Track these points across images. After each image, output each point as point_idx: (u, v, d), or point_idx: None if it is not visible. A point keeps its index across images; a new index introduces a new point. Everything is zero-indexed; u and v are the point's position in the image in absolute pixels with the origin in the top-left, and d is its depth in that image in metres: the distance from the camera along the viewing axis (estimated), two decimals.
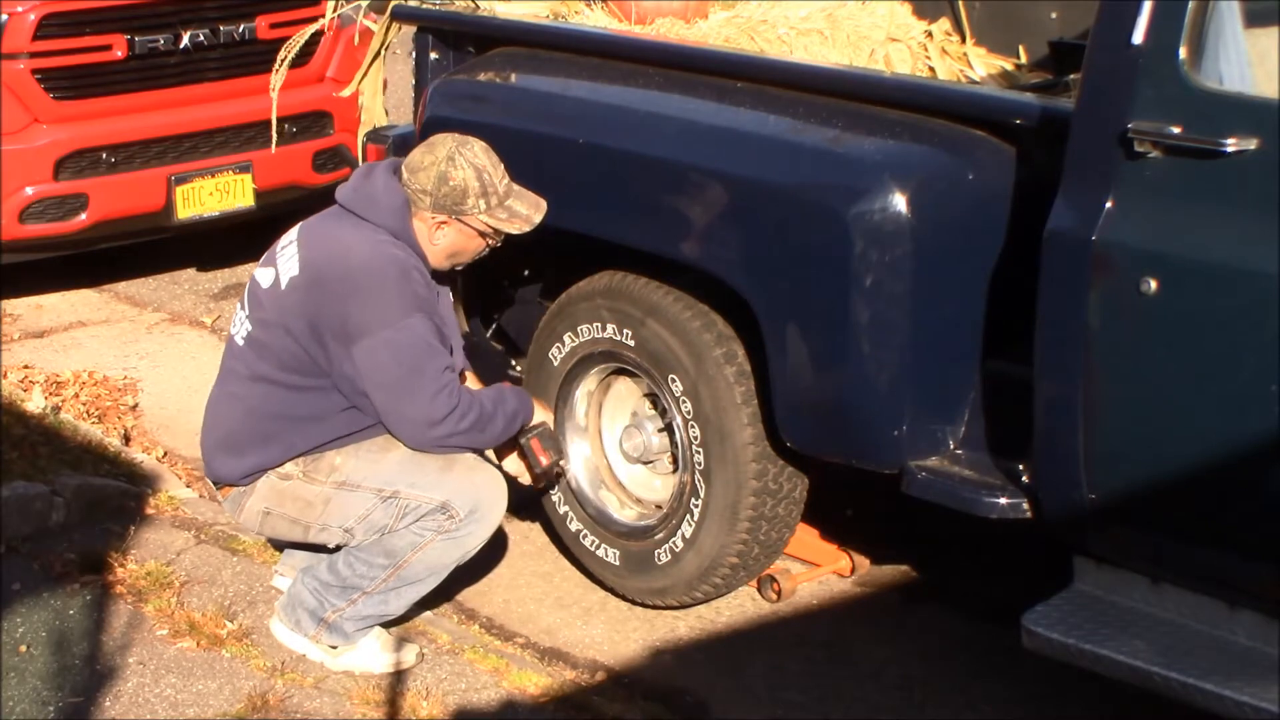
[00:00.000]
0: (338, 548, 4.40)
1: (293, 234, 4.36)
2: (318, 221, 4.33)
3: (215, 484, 4.46)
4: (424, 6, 5.19)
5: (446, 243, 4.28)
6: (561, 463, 4.61)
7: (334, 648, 4.39)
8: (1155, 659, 3.64)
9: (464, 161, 4.19)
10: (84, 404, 6.04)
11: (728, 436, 4.42)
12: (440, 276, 4.36)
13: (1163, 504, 3.67)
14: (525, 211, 4.26)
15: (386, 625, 4.46)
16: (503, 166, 4.26)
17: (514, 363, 5.13)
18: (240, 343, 4.32)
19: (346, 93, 5.68)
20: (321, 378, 4.22)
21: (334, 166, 7.50)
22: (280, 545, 4.76)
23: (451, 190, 4.19)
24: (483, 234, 4.28)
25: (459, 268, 4.43)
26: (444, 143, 4.24)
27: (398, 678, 4.35)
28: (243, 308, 4.36)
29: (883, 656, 4.61)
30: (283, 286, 4.22)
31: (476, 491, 4.25)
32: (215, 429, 4.38)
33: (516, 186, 4.28)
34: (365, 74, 5.53)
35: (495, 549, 4.95)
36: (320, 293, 4.17)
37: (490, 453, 4.52)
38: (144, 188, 7.02)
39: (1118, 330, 3.61)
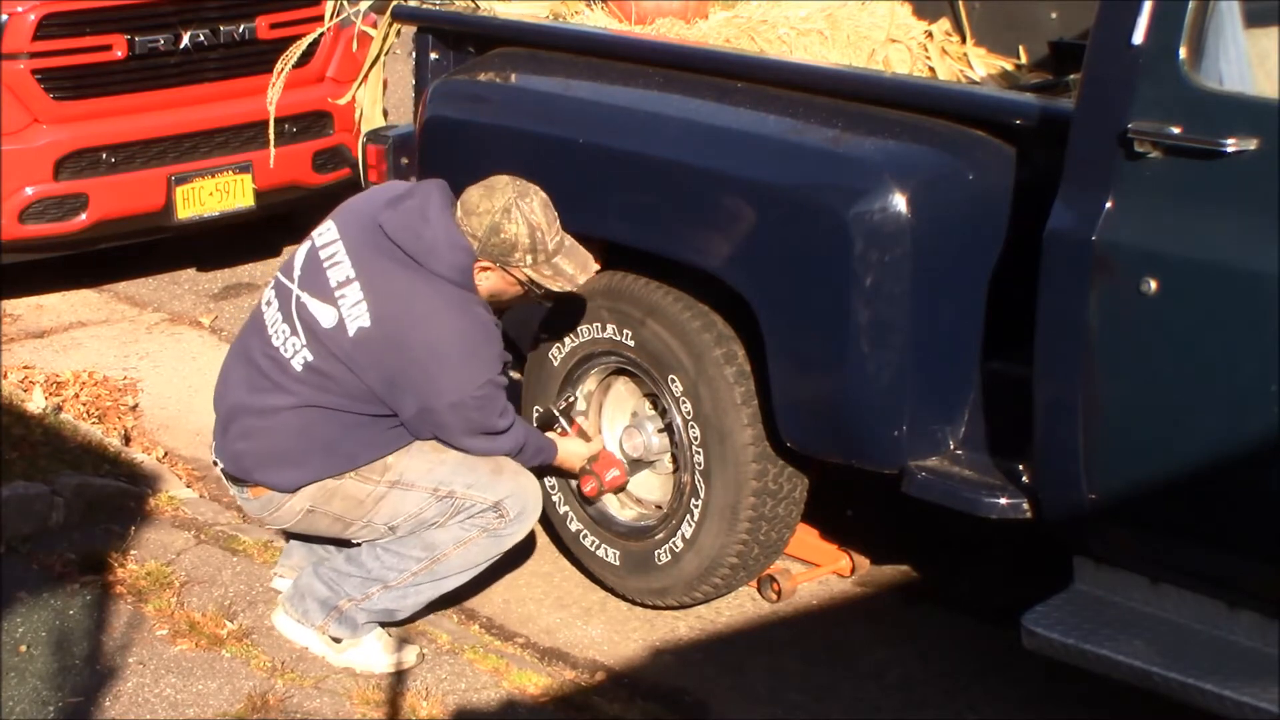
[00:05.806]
0: (356, 542, 4.41)
1: (341, 256, 4.23)
2: (375, 259, 4.20)
3: (239, 483, 4.40)
4: (424, 7, 5.19)
5: (488, 285, 4.29)
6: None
7: (338, 641, 4.40)
8: (1155, 659, 3.65)
9: (519, 216, 4.18)
10: (84, 404, 6.04)
11: (728, 436, 4.42)
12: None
13: (1163, 504, 3.67)
14: (570, 271, 4.27)
15: (387, 626, 4.46)
16: (558, 223, 4.27)
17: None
18: (298, 368, 4.23)
19: (343, 101, 5.68)
20: (387, 409, 4.25)
21: (334, 166, 7.49)
22: (290, 537, 4.74)
23: (501, 242, 4.19)
24: (524, 284, 4.30)
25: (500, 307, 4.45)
26: (504, 191, 4.21)
27: (398, 678, 4.35)
28: (294, 332, 4.24)
29: (883, 656, 4.61)
30: (350, 333, 4.17)
31: (525, 494, 4.37)
32: (263, 441, 4.29)
33: (569, 242, 4.29)
34: (362, 81, 5.52)
35: None
36: (402, 357, 4.17)
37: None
38: (144, 188, 7.02)
39: (1118, 330, 3.61)
